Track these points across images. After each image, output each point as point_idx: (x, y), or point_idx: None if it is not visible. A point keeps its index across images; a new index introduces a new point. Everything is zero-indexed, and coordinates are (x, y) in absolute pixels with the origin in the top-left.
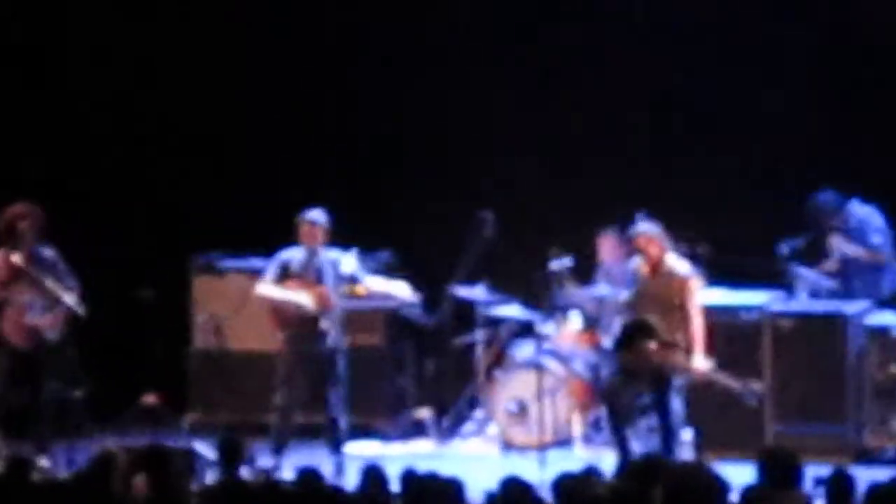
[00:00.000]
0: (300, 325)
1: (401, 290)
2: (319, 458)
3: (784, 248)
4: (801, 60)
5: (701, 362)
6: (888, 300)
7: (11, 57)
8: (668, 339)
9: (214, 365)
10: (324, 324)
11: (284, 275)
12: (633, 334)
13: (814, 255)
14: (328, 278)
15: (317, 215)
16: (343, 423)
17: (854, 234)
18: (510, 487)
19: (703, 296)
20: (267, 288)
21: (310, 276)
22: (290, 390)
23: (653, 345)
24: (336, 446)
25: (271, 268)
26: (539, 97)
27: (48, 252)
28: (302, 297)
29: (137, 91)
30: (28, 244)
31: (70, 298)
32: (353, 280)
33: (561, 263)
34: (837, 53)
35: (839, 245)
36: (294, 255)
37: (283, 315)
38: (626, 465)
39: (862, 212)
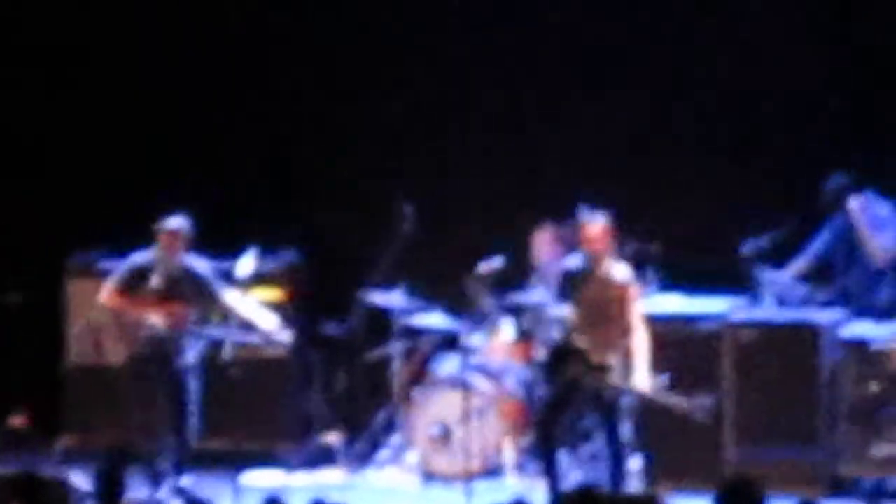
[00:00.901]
0: (145, 345)
1: (266, 322)
2: (218, 489)
3: (748, 248)
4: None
5: (642, 381)
6: (884, 309)
7: None
8: (600, 361)
9: (92, 381)
10: (174, 345)
11: (134, 282)
12: (561, 359)
13: (783, 255)
14: (186, 292)
15: (178, 223)
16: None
17: (871, 225)
18: None
19: (647, 304)
20: (113, 297)
21: (164, 289)
22: (141, 412)
23: (581, 371)
24: (179, 470)
25: (120, 273)
26: (462, 76)
27: None
28: (152, 316)
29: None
30: None
31: None
32: (209, 294)
33: (491, 265)
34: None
35: (858, 216)
36: (147, 261)
37: (126, 329)
38: (557, 496)
39: (881, 208)
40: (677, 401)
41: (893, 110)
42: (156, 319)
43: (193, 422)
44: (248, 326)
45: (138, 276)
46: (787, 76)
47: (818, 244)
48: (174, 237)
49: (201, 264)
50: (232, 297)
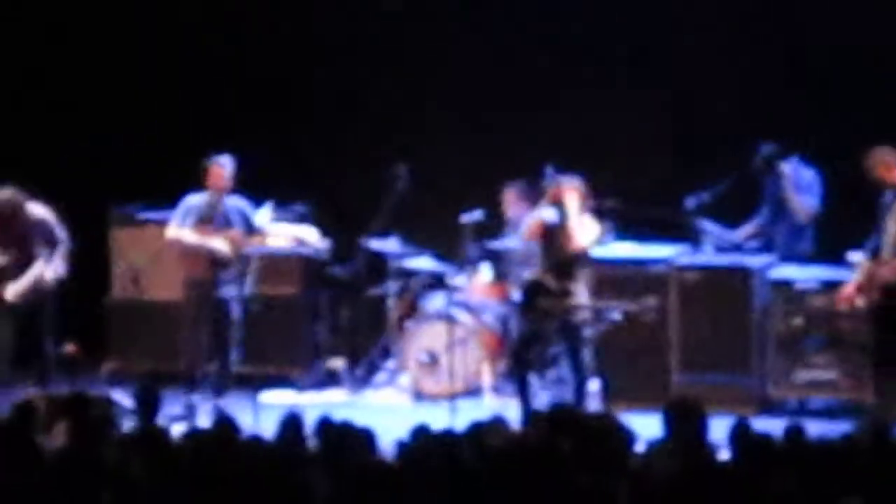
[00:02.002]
0: (207, 271)
1: (309, 236)
2: (239, 407)
3: (691, 202)
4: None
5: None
6: (805, 257)
7: None
8: (561, 290)
9: (132, 314)
10: (230, 270)
11: (194, 220)
12: (530, 294)
13: (723, 211)
14: (236, 223)
15: (226, 160)
16: (230, 369)
17: (796, 188)
18: (421, 435)
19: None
20: (179, 232)
21: (218, 221)
22: (194, 335)
23: (548, 300)
24: (219, 391)
25: (178, 213)
26: (453, 52)
27: None
28: (217, 242)
29: (49, 47)
30: None
31: None
32: (256, 231)
33: (472, 216)
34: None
35: (785, 182)
36: (199, 200)
37: (193, 259)
38: (530, 415)
39: (805, 172)
40: (628, 305)
41: (818, 86)
42: (218, 244)
43: (236, 346)
44: (299, 242)
45: (195, 215)
46: (726, 58)
47: (761, 213)
48: (223, 172)
49: (243, 203)
50: (261, 217)
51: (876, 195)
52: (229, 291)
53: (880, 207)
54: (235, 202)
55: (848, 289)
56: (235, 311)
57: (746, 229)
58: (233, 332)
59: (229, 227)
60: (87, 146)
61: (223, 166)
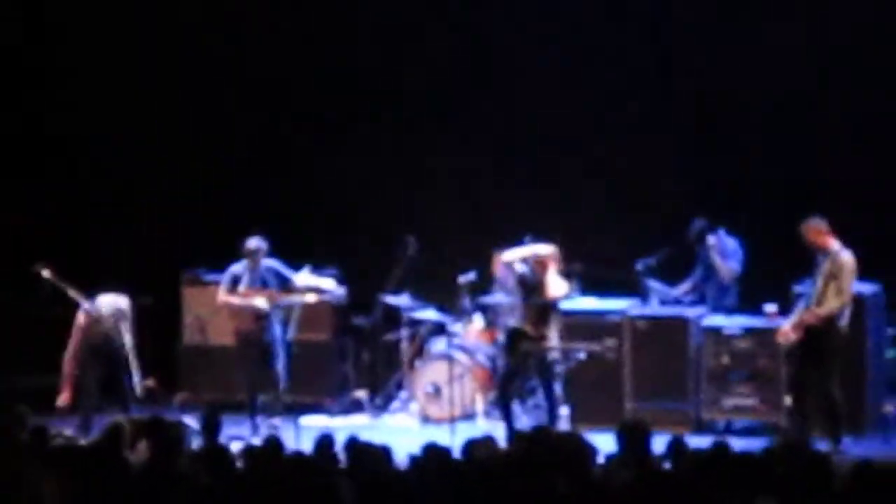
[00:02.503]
0: (255, 322)
1: (328, 284)
2: (284, 429)
3: (640, 265)
4: (666, 108)
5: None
6: (730, 309)
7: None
8: (539, 335)
9: (199, 356)
10: (271, 319)
11: (235, 284)
12: (513, 339)
13: (666, 271)
14: (270, 283)
15: (256, 243)
16: (279, 398)
17: (721, 256)
18: (428, 451)
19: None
20: (226, 296)
21: (256, 284)
22: (246, 372)
23: (527, 343)
24: (270, 416)
25: (225, 281)
26: (449, 144)
27: None
28: (257, 301)
29: (126, 133)
30: None
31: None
32: (286, 282)
33: (467, 277)
34: (698, 103)
35: (712, 250)
36: (240, 268)
37: (240, 315)
38: (514, 435)
39: (729, 241)
40: (592, 345)
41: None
42: (260, 303)
43: (283, 378)
44: (316, 290)
45: (236, 280)
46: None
47: (695, 274)
48: (256, 252)
49: (275, 263)
50: (301, 277)
51: (809, 257)
52: (273, 336)
53: (814, 266)
54: (271, 264)
55: (785, 327)
56: (279, 352)
57: (684, 286)
58: (278, 369)
59: (265, 287)
60: (164, 224)
61: (255, 251)
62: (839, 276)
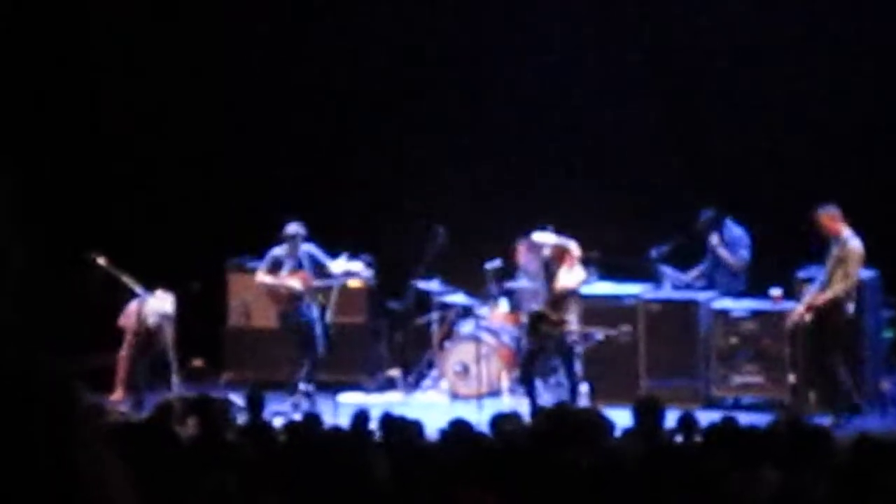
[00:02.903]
0: (289, 302)
1: (357, 267)
2: (324, 405)
3: (654, 253)
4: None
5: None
6: (742, 293)
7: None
8: (559, 318)
9: (243, 338)
10: (305, 300)
11: (275, 267)
12: (535, 322)
13: (678, 258)
14: (307, 266)
15: (295, 228)
16: (313, 368)
17: (728, 245)
18: (457, 425)
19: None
20: (264, 276)
21: (294, 267)
22: (284, 349)
23: (547, 326)
24: (309, 382)
25: (265, 262)
26: (471, 145)
27: None
28: (292, 282)
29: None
30: None
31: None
32: (322, 266)
33: (493, 264)
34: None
35: (717, 247)
36: (280, 251)
37: (276, 294)
38: (537, 410)
39: (736, 230)
40: (609, 330)
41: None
42: (294, 283)
43: (321, 353)
44: (348, 273)
45: (276, 263)
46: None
47: (705, 262)
48: (295, 237)
49: (313, 248)
50: (335, 264)
51: (814, 244)
52: (308, 316)
53: (827, 252)
54: (308, 248)
55: (799, 308)
56: (317, 331)
57: (693, 273)
58: (316, 347)
59: (300, 269)
60: (210, 215)
61: (294, 234)
62: (847, 262)
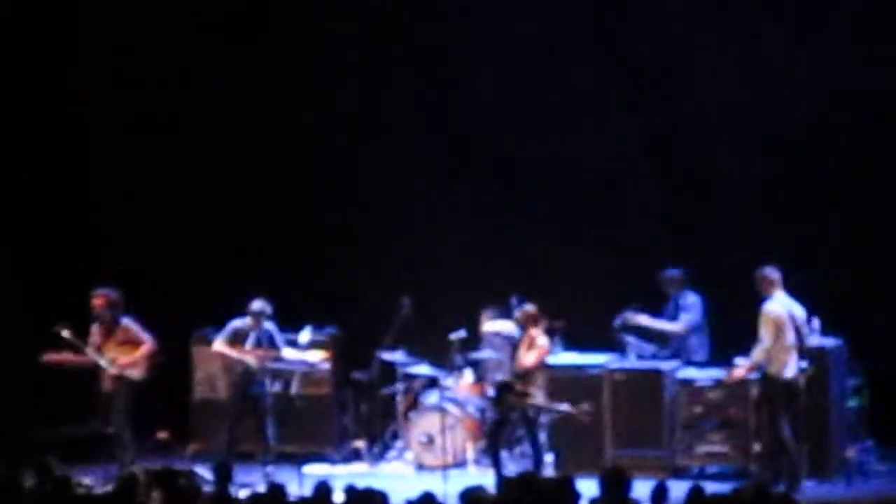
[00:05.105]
0: (241, 377)
1: (314, 357)
2: (288, 476)
3: (618, 322)
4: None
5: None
6: (697, 362)
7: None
8: (523, 390)
9: (209, 409)
10: (258, 375)
11: (235, 339)
12: (501, 392)
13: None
14: (265, 344)
15: (260, 306)
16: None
17: (681, 309)
18: (423, 499)
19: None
20: (222, 346)
21: (254, 343)
22: (236, 422)
23: (513, 397)
24: (265, 464)
25: (226, 332)
26: (442, 215)
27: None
28: (248, 358)
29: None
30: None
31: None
32: (276, 347)
33: (458, 334)
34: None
35: (651, 324)
36: (242, 325)
37: (230, 366)
38: (502, 480)
39: (691, 297)
40: (568, 407)
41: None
42: (249, 359)
43: (271, 430)
44: (303, 361)
45: (236, 335)
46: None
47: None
48: (260, 314)
49: (272, 328)
50: (288, 351)
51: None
52: (261, 392)
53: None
54: (269, 327)
55: (739, 371)
56: (266, 407)
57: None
58: (266, 421)
59: (260, 346)
60: (175, 290)
61: (258, 311)
62: (761, 326)
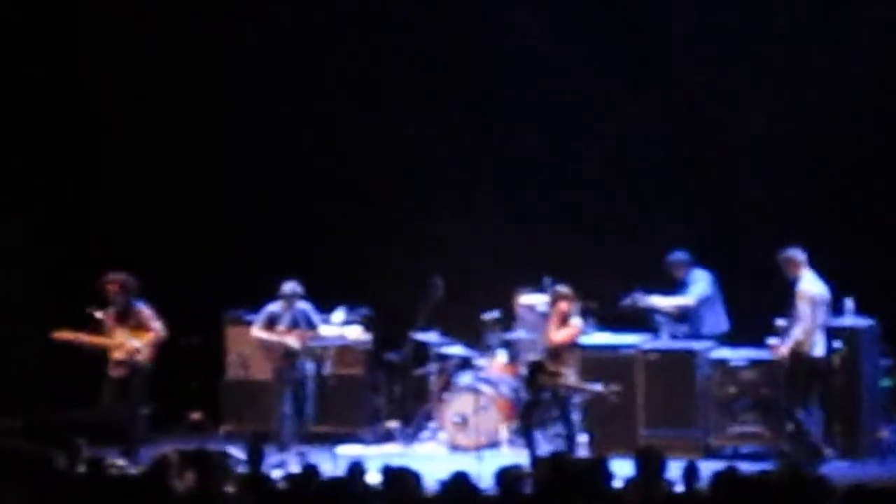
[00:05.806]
0: (284, 360)
1: (353, 333)
2: (322, 457)
3: (626, 302)
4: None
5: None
6: (720, 337)
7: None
8: (555, 371)
9: (242, 390)
10: (300, 357)
11: (271, 323)
12: (533, 372)
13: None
14: (302, 324)
15: (292, 287)
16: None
17: (692, 283)
18: (456, 478)
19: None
20: (259, 331)
21: (290, 324)
22: (281, 406)
23: (544, 377)
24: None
25: (261, 317)
26: (469, 196)
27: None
28: (289, 339)
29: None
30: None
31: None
32: (314, 326)
33: (491, 315)
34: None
35: (651, 303)
36: (277, 309)
37: (271, 351)
38: (536, 461)
39: (698, 273)
40: (598, 387)
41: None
42: (290, 341)
43: (311, 410)
44: (342, 337)
45: (272, 318)
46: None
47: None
48: (292, 296)
49: (308, 307)
50: (335, 316)
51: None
52: (303, 373)
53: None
54: (304, 307)
55: (783, 349)
56: (310, 387)
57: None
58: (307, 403)
59: (297, 327)
60: (208, 271)
61: (291, 294)
62: (797, 306)
